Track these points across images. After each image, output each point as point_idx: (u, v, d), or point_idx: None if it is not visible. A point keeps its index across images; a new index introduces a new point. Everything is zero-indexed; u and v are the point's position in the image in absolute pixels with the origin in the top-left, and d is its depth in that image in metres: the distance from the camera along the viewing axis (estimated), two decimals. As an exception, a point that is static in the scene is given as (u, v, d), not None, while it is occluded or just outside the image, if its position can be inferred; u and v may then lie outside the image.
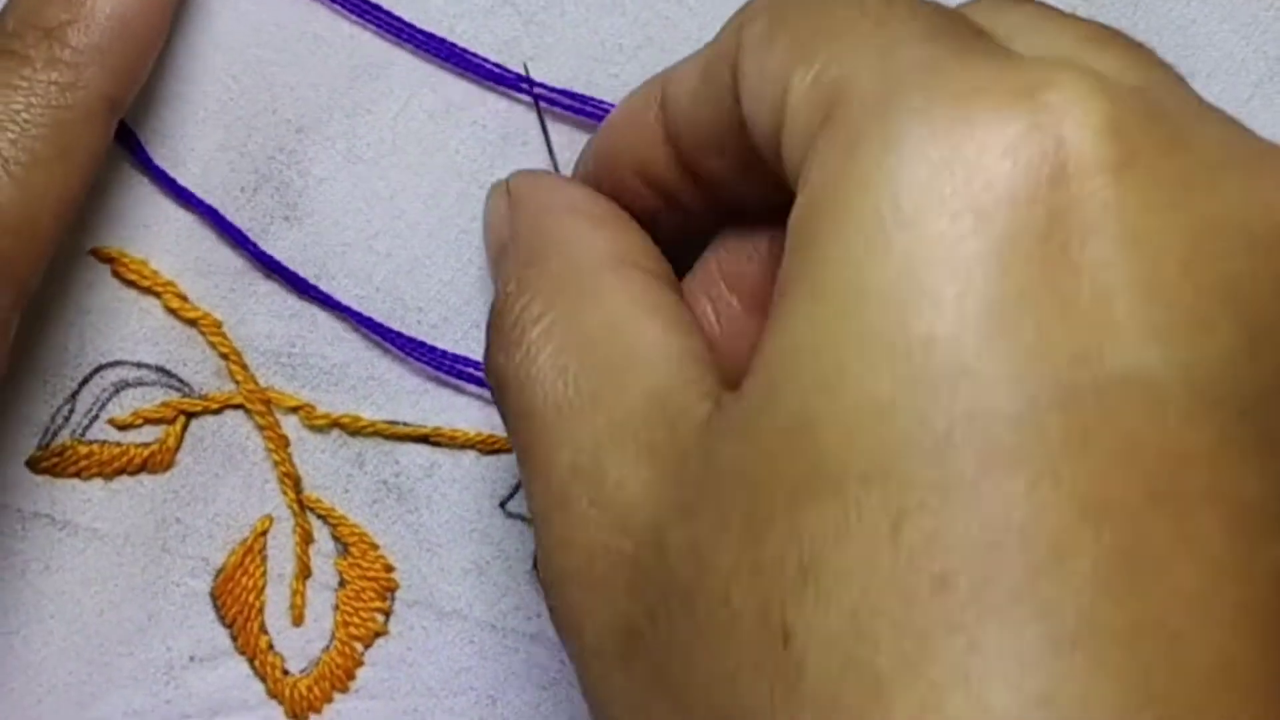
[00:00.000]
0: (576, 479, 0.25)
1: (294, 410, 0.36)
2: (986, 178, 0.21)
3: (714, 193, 0.30)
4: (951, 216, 0.21)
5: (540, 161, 0.37)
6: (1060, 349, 0.20)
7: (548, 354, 0.27)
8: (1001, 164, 0.21)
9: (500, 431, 0.37)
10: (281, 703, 0.37)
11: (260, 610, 0.37)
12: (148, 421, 0.36)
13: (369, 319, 0.36)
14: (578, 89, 0.37)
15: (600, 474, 0.25)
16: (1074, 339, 0.20)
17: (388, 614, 0.37)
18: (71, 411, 0.36)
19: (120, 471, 0.36)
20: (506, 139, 0.37)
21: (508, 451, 0.37)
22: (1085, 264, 0.20)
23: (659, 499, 0.23)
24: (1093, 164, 0.21)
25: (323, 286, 0.37)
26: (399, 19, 0.36)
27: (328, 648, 0.37)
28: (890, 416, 0.20)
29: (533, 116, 0.37)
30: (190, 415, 0.37)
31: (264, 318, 0.37)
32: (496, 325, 0.29)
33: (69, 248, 0.36)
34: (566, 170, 0.36)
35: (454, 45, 0.36)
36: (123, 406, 0.36)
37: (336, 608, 0.37)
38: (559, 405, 0.26)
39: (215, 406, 0.37)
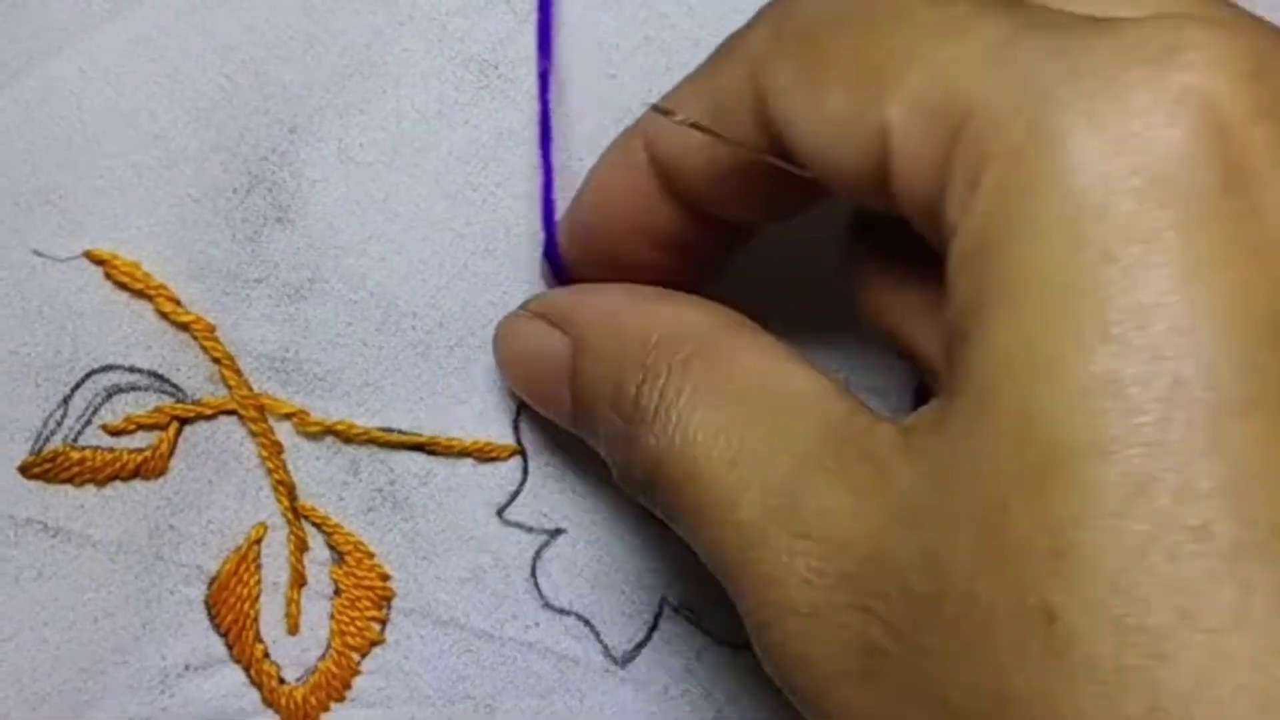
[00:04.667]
0: (772, 519, 0.25)
1: (287, 416, 0.36)
2: (1159, 151, 0.22)
3: (723, 231, 0.31)
4: (1136, 196, 0.22)
5: (532, 165, 0.36)
6: (1261, 293, 0.21)
7: (700, 419, 0.27)
8: (1170, 133, 0.22)
9: (498, 438, 0.37)
10: (278, 711, 0.36)
11: (255, 619, 0.36)
12: (140, 427, 0.36)
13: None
14: (573, 90, 0.36)
15: (797, 508, 0.25)
16: (1271, 279, 0.21)
17: (384, 623, 0.37)
18: (64, 416, 0.36)
19: (113, 478, 0.36)
20: (500, 139, 0.36)
21: (504, 459, 0.36)
22: (1266, 206, 0.22)
23: (869, 517, 0.24)
24: (1250, 111, 0.22)
25: (316, 291, 0.36)
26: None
27: (324, 656, 0.37)
28: (1115, 389, 0.21)
29: (526, 118, 0.36)
30: (183, 421, 0.36)
31: (257, 322, 0.36)
32: (634, 416, 0.29)
33: (61, 250, 0.35)
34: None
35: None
36: (115, 412, 0.36)
37: (332, 616, 0.37)
38: (728, 460, 0.27)
39: (209, 412, 0.36)
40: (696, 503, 0.27)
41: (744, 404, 0.27)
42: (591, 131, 0.36)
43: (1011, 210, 0.23)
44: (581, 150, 0.36)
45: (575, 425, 0.32)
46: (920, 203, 0.25)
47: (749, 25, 0.28)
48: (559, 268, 0.35)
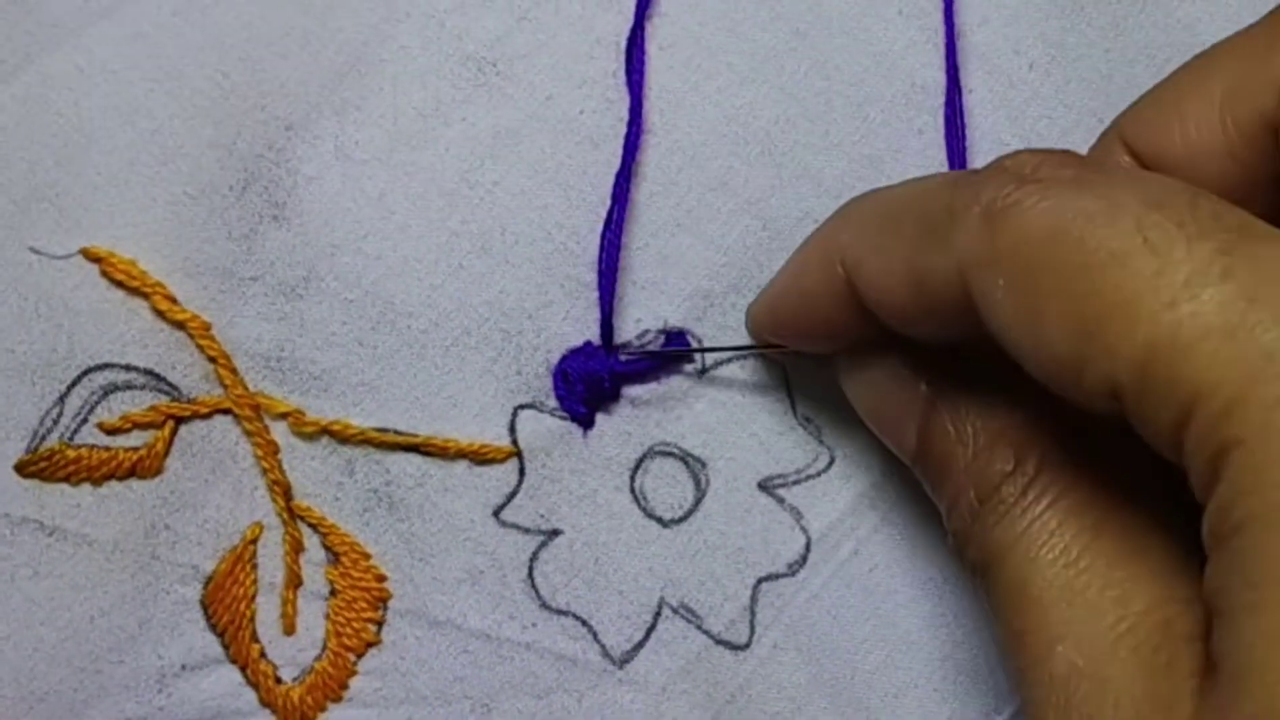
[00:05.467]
0: (1079, 681, 0.26)
1: (283, 416, 0.36)
2: None
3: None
4: None
5: (529, 163, 0.36)
6: None
7: (1049, 538, 0.28)
8: None
9: (494, 440, 0.36)
10: (275, 711, 0.36)
11: (251, 619, 0.36)
12: (136, 426, 0.36)
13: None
14: (570, 86, 0.36)
15: (1101, 685, 0.26)
16: None
17: (380, 623, 0.36)
18: (60, 414, 0.36)
19: (109, 476, 0.36)
20: (497, 137, 0.36)
21: (500, 462, 0.36)
22: None
23: None
24: None
25: (311, 289, 0.36)
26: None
27: (320, 657, 0.36)
28: None
29: (523, 115, 0.36)
30: (179, 420, 0.36)
31: (253, 320, 0.36)
32: (990, 500, 0.29)
33: (58, 247, 0.35)
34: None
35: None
36: (111, 410, 0.36)
37: (328, 617, 0.36)
38: (1065, 594, 0.27)
39: (204, 411, 0.36)
40: (1019, 622, 0.27)
41: (1101, 541, 0.27)
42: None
43: (1257, 508, 0.23)
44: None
45: (914, 465, 0.33)
46: (1158, 442, 0.25)
47: (957, 210, 0.27)
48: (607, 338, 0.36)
